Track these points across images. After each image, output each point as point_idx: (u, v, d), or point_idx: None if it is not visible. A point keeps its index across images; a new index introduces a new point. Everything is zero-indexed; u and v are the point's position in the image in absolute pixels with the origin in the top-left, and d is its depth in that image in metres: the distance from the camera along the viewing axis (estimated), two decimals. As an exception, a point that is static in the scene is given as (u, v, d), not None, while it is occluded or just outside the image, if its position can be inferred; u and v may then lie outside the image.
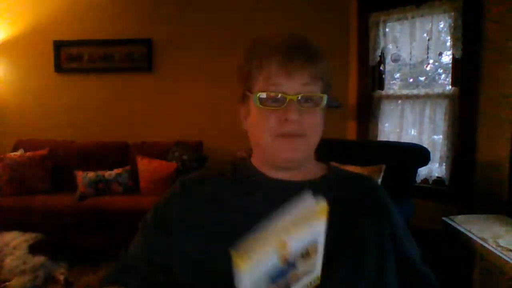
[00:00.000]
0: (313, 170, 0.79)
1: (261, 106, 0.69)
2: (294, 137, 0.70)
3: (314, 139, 0.73)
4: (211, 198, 0.75)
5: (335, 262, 0.69)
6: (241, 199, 0.74)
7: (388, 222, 0.75)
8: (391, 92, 3.19)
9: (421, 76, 3.15)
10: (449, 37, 2.72)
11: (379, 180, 2.40)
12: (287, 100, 0.67)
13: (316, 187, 0.75)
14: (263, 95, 0.69)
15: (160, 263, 0.73)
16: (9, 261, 2.49)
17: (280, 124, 0.68)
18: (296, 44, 0.69)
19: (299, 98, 0.68)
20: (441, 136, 2.84)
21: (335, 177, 0.80)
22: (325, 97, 0.71)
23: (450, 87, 2.82)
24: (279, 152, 0.71)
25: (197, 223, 0.73)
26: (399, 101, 3.08)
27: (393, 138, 3.11)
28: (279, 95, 0.68)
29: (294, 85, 0.68)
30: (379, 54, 3.15)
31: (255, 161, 0.79)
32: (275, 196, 0.72)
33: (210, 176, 0.80)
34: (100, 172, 3.22)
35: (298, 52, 0.68)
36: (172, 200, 0.77)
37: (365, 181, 0.81)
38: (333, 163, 2.81)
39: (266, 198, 0.73)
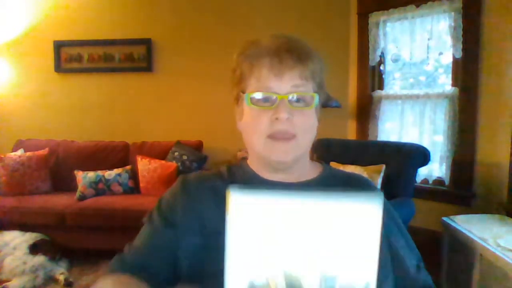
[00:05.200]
0: (307, 170, 0.79)
1: (252, 105, 0.70)
2: (285, 140, 0.70)
3: (305, 140, 0.72)
4: (211, 197, 0.75)
5: None
6: None
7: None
8: (391, 92, 3.19)
9: (421, 76, 3.15)
10: (449, 37, 2.72)
11: (379, 180, 2.40)
12: (278, 99, 0.68)
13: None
14: (254, 95, 0.70)
15: (164, 255, 0.72)
16: (9, 261, 2.49)
17: (271, 123, 0.69)
18: (285, 45, 0.69)
19: (290, 97, 0.69)
20: (441, 136, 2.85)
21: (329, 177, 0.80)
22: (316, 96, 0.71)
23: (450, 87, 2.82)
24: (270, 154, 0.71)
25: (198, 222, 0.73)
26: (399, 101, 3.08)
27: (393, 138, 3.11)
28: (270, 95, 0.69)
29: (285, 86, 0.68)
30: (379, 54, 3.15)
31: (251, 162, 0.80)
32: None
33: (210, 176, 0.80)
34: (100, 172, 3.22)
35: (287, 54, 0.68)
36: (174, 197, 0.77)
37: (359, 181, 0.82)
38: (333, 163, 2.81)
39: None
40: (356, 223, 0.41)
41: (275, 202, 0.42)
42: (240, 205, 0.41)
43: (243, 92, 0.72)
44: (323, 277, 0.41)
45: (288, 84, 0.68)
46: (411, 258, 0.78)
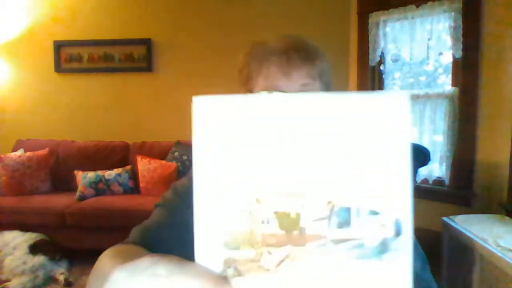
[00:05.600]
0: None
1: None
2: None
3: None
4: None
5: None
6: None
7: None
8: (391, 92, 3.18)
9: (421, 76, 3.15)
10: (449, 37, 2.72)
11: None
12: None
13: None
14: (262, 93, 0.70)
15: (178, 234, 0.67)
16: (9, 261, 2.49)
17: None
18: (293, 45, 0.70)
19: None
20: (441, 136, 2.85)
21: None
22: None
23: (450, 87, 2.82)
24: None
25: None
26: (399, 101, 3.07)
27: (393, 138, 3.11)
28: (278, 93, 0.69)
29: (293, 85, 0.68)
30: (379, 54, 3.15)
31: None
32: None
33: None
34: (100, 172, 3.22)
35: (295, 53, 0.69)
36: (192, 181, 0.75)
37: None
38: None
39: None
40: (375, 130, 0.28)
41: (258, 106, 0.29)
42: (207, 114, 0.28)
43: (251, 92, 0.72)
44: (332, 208, 0.29)
45: (296, 83, 0.68)
46: (416, 258, 0.78)
